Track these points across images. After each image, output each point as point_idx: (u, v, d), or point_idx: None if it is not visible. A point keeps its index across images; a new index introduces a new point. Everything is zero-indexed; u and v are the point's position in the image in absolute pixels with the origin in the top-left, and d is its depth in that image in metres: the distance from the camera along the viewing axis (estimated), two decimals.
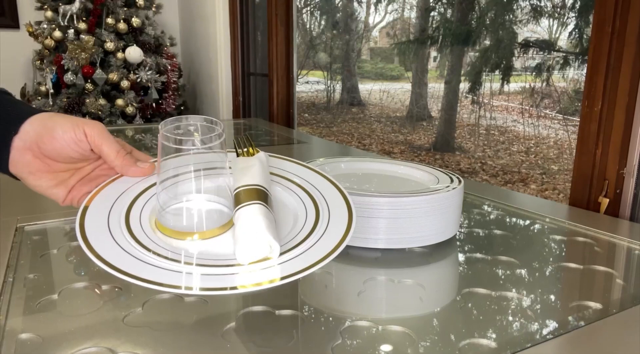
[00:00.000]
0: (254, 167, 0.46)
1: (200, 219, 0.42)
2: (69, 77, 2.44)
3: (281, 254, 0.39)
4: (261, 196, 0.42)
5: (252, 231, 0.38)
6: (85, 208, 0.44)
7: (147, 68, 2.61)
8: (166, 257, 0.37)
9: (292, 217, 0.44)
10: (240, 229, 0.39)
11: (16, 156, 0.43)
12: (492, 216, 0.90)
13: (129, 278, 0.35)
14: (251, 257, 0.38)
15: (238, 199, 0.42)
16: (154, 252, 0.38)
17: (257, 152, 0.52)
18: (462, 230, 0.82)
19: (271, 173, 0.50)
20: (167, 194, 0.42)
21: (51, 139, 0.44)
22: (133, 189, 0.46)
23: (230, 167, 0.45)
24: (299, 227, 0.42)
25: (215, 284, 0.35)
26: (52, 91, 2.49)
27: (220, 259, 0.38)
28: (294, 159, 0.54)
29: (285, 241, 0.40)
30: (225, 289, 0.35)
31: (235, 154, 0.53)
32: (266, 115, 2.42)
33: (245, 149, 0.53)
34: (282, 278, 0.36)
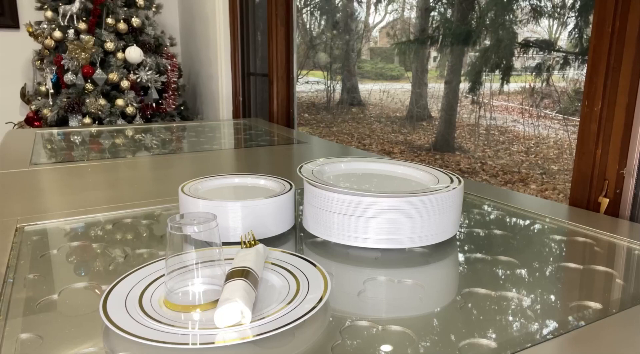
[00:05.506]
0: (249, 255, 0.60)
1: (200, 296, 0.55)
2: (69, 77, 2.44)
3: (256, 320, 0.50)
4: (245, 274, 0.54)
5: (228, 301, 0.49)
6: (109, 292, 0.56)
7: (147, 68, 2.61)
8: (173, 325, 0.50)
9: (277, 294, 0.57)
10: (220, 299, 0.50)
11: None
12: (492, 216, 0.90)
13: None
14: (226, 322, 0.49)
15: (227, 277, 0.54)
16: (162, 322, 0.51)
17: (257, 243, 0.66)
18: (462, 230, 0.82)
19: (270, 263, 0.63)
20: (176, 280, 0.55)
21: None
22: (146, 280, 0.59)
23: (225, 259, 0.57)
24: (279, 301, 0.54)
25: (204, 339, 0.48)
26: (52, 90, 2.50)
27: (211, 323, 0.50)
28: (287, 250, 0.68)
29: (262, 311, 0.52)
30: (212, 343, 0.47)
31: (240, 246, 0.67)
32: (266, 115, 2.42)
33: (246, 242, 0.67)
34: (254, 336, 0.48)
